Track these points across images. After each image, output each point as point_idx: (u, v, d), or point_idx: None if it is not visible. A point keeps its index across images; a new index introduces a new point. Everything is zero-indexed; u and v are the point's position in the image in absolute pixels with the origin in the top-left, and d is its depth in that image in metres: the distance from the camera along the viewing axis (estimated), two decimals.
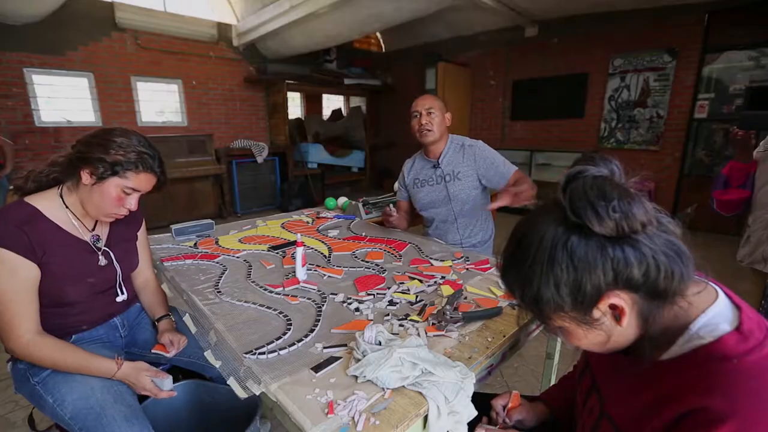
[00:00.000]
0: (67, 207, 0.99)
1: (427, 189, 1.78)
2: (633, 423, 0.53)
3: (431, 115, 1.65)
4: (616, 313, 0.49)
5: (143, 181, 0.99)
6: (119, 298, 1.10)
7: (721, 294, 0.52)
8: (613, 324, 0.50)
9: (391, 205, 1.85)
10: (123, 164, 0.94)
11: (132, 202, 1.00)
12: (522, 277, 0.51)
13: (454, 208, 1.73)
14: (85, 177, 0.94)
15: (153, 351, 1.11)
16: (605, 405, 0.60)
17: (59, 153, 1.02)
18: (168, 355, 1.09)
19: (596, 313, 0.49)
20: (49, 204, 0.97)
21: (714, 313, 0.50)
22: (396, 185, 2.62)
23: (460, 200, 1.70)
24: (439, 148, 1.73)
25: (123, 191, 0.97)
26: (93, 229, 1.06)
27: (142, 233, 1.22)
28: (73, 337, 1.04)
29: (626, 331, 0.51)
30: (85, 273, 1.01)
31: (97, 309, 1.06)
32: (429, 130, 1.66)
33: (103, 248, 1.06)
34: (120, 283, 1.10)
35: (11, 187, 1.04)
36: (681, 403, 0.46)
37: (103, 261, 1.05)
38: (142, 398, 1.01)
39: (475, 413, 0.73)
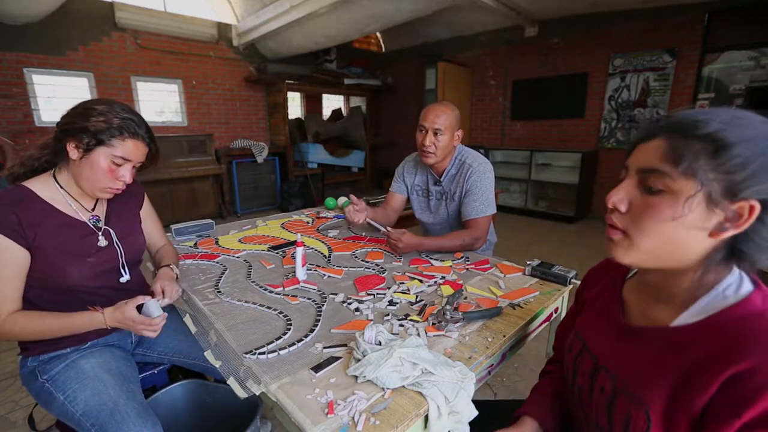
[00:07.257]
0: (61, 187, 0.96)
1: (427, 202, 1.71)
2: (663, 396, 0.50)
3: (437, 137, 1.49)
4: (736, 217, 0.46)
5: (132, 149, 0.94)
6: (123, 279, 1.05)
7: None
8: (725, 222, 0.47)
9: (354, 198, 1.59)
10: (107, 132, 0.90)
11: (125, 174, 0.96)
12: (742, 131, 0.46)
13: (452, 227, 1.65)
14: (72, 151, 0.91)
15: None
16: (619, 383, 0.57)
17: (49, 135, 0.97)
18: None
19: (732, 207, 0.46)
20: (43, 185, 0.95)
21: (737, 274, 0.51)
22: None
23: (457, 220, 1.63)
24: (442, 166, 1.61)
25: (113, 162, 0.92)
26: (93, 210, 1.02)
27: (146, 207, 1.19)
28: (89, 342, 1.02)
29: (704, 243, 0.48)
30: (83, 253, 0.96)
31: (107, 301, 0.99)
32: (431, 153, 1.52)
33: (103, 227, 1.02)
34: (123, 263, 1.04)
35: (7, 175, 1.01)
36: (723, 366, 0.45)
37: (103, 242, 1.01)
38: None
39: (475, 413, 0.73)
